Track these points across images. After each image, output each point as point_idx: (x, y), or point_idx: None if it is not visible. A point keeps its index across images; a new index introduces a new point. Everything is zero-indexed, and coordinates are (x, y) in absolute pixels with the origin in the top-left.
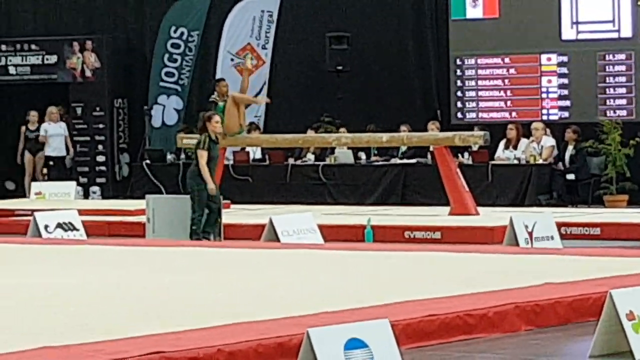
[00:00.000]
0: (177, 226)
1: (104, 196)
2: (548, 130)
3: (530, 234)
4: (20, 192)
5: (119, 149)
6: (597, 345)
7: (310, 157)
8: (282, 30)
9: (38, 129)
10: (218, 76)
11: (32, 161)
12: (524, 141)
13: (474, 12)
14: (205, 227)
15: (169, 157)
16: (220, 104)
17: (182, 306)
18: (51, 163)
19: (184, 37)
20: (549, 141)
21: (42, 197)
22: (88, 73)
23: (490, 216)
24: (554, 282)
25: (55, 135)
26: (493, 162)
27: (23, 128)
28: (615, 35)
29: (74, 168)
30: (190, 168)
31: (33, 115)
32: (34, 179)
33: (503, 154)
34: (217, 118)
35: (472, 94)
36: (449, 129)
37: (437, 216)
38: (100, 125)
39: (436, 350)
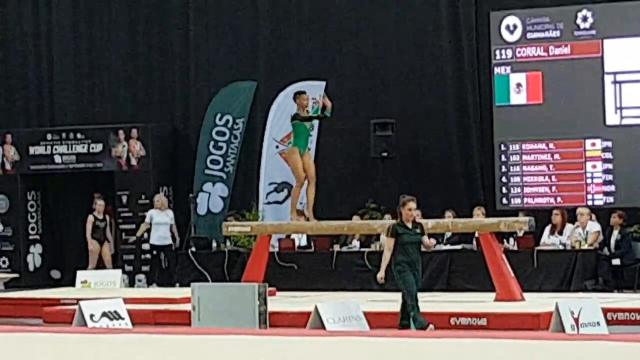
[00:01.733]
0: (223, 314)
1: (150, 284)
2: (593, 216)
3: (577, 320)
4: (67, 281)
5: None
6: None
7: (355, 244)
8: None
9: (105, 218)
10: (263, 163)
11: (100, 250)
12: (569, 226)
13: (518, 98)
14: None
15: (215, 244)
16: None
17: None
18: (154, 252)
19: (230, 125)
20: (594, 226)
21: (88, 285)
22: (133, 161)
23: (536, 302)
24: None
25: (161, 223)
26: (538, 247)
27: (91, 217)
28: None
29: (121, 256)
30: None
31: (100, 204)
32: (101, 267)
33: (548, 240)
34: (411, 205)
35: (517, 179)
36: (494, 215)
37: (483, 302)
38: (146, 213)
39: None
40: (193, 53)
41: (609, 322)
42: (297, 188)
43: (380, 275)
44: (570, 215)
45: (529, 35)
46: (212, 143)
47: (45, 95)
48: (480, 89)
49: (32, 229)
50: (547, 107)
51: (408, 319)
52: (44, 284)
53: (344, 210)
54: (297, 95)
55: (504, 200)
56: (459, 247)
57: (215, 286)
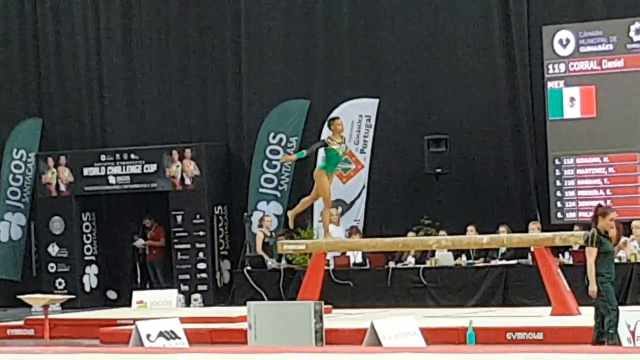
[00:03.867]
0: (279, 332)
1: (206, 304)
2: None
3: (633, 333)
4: (123, 301)
5: (219, 256)
6: None
7: (410, 260)
8: (380, 134)
9: (272, 234)
10: None
11: None
12: (624, 239)
13: (571, 111)
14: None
15: (270, 263)
16: (334, 146)
17: None
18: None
19: (283, 143)
20: None
21: (144, 305)
22: (187, 181)
23: (592, 316)
24: None
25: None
26: None
27: (260, 233)
28: None
29: (176, 276)
30: None
31: (268, 219)
32: None
33: None
34: (612, 215)
35: (572, 193)
36: (549, 229)
37: (539, 317)
38: (201, 233)
39: None
40: (246, 72)
41: None
42: (326, 210)
43: (593, 288)
44: (626, 228)
45: (582, 49)
46: (265, 162)
47: (99, 117)
48: (533, 104)
49: (88, 250)
50: (600, 121)
51: (603, 335)
52: (100, 304)
53: (398, 227)
54: (332, 121)
55: (559, 215)
56: (514, 262)
57: (272, 305)
